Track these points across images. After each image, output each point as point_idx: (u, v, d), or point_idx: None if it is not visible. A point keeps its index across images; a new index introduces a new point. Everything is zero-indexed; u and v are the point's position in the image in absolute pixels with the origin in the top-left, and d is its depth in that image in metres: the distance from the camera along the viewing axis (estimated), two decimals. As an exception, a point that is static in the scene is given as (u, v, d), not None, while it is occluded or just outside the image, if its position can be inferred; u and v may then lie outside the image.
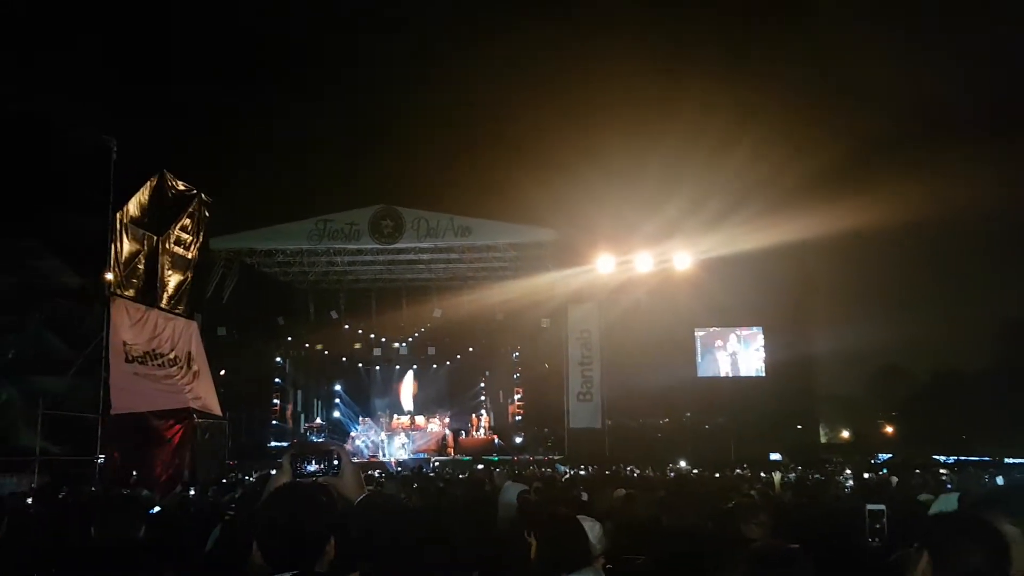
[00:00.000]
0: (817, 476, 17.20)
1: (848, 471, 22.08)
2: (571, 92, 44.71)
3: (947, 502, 8.49)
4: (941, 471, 18.77)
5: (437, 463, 25.01)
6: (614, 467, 19.95)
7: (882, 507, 4.73)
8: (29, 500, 10.16)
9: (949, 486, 12.15)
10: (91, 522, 5.25)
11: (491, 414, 32.76)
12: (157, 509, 7.58)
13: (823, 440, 37.40)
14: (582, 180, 29.10)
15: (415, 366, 33.52)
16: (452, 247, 27.10)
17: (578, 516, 4.73)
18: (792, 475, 16.71)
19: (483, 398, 33.88)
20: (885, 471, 21.73)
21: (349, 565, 2.86)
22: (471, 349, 31.98)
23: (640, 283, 25.74)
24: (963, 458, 29.51)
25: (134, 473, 15.14)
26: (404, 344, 32.17)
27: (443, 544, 4.29)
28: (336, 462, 2.94)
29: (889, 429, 43.86)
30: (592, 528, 4.49)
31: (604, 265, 24.88)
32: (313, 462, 2.92)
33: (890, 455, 32.66)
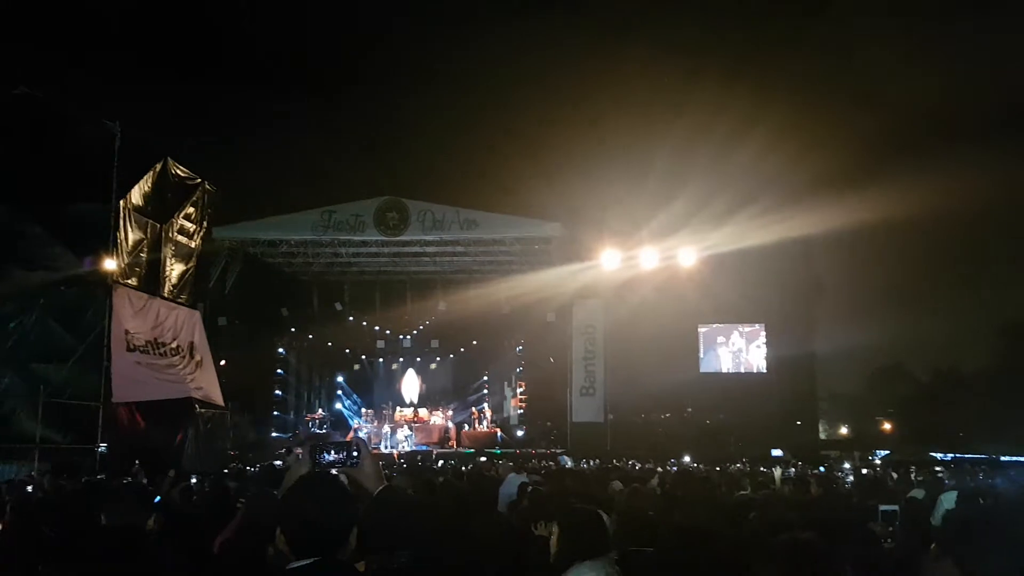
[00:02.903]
0: (817, 471, 17.23)
1: (847, 465, 22.15)
2: (579, 87, 44.63)
3: (948, 499, 8.54)
4: (937, 468, 18.83)
5: (438, 456, 25.01)
6: (618, 461, 19.97)
7: (895, 508, 4.74)
8: (29, 488, 10.15)
9: (947, 483, 12.18)
10: (97, 510, 5.24)
11: (494, 408, 32.81)
12: (158, 499, 7.57)
13: (823, 436, 37.40)
14: (589, 175, 29.07)
15: (419, 359, 33.54)
16: (458, 240, 27.02)
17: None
18: (792, 470, 16.74)
19: (486, 392, 33.92)
20: (878, 468, 21.82)
21: (361, 554, 2.87)
22: (475, 343, 31.99)
23: (645, 280, 25.70)
24: (960, 456, 29.58)
25: (136, 463, 15.11)
26: (408, 337, 32.18)
27: (456, 537, 4.28)
28: (356, 453, 2.94)
29: (887, 426, 43.88)
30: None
31: (609, 260, 24.84)
32: (332, 452, 2.92)
33: (888, 452, 32.69)
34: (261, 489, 5.32)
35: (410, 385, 33.58)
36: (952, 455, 30.05)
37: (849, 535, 5.02)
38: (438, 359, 33.47)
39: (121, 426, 18.56)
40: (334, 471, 2.89)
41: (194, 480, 11.72)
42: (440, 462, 20.36)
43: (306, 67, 47.82)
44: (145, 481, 11.37)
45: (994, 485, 11.27)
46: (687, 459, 22.96)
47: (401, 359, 33.88)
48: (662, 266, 25.14)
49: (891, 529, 4.78)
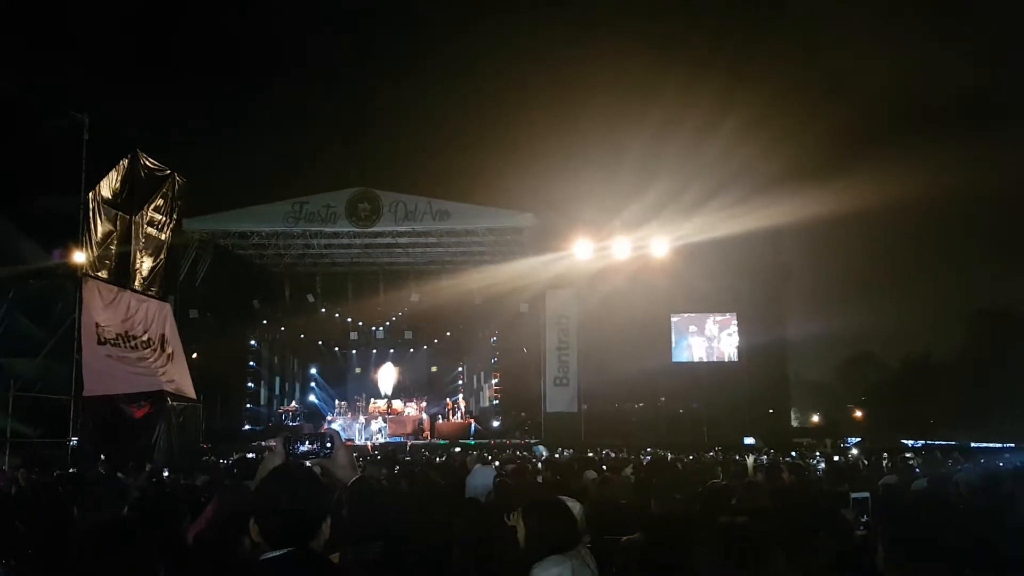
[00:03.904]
0: (789, 459, 17.45)
1: (818, 453, 22.47)
2: (551, 78, 44.70)
3: (919, 487, 8.69)
4: (907, 455, 19.11)
5: (412, 447, 25.02)
6: (592, 450, 20.09)
7: (866, 495, 4.77)
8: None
9: (917, 470, 12.39)
10: (70, 503, 5.24)
11: (469, 398, 32.84)
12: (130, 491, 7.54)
13: (795, 424, 37.86)
14: (562, 166, 29.17)
15: (392, 351, 33.48)
16: (430, 231, 26.94)
17: (559, 497, 4.79)
18: (764, 458, 16.94)
19: (461, 382, 33.93)
20: (854, 452, 22.16)
21: (334, 545, 2.91)
22: (448, 334, 31.98)
23: (618, 270, 25.85)
24: (930, 443, 30.04)
25: (102, 456, 15.02)
26: (381, 328, 32.10)
27: (429, 529, 4.33)
28: (329, 444, 2.98)
29: (858, 414, 44.55)
30: (573, 507, 4.54)
31: (582, 251, 24.96)
32: (306, 443, 2.96)
33: (859, 439, 33.17)
34: (235, 481, 5.34)
35: (386, 377, 33.50)
36: (922, 442, 30.51)
37: (821, 523, 5.11)
38: (412, 350, 33.43)
39: (92, 419, 18.42)
40: (308, 462, 2.93)
41: (167, 473, 11.70)
42: (408, 457, 20.33)
43: (277, 58, 47.44)
44: (119, 475, 11.30)
45: (953, 472, 11.47)
46: (660, 449, 23.15)
47: (374, 351, 33.80)
48: (634, 256, 25.30)
49: (864, 518, 4.82)
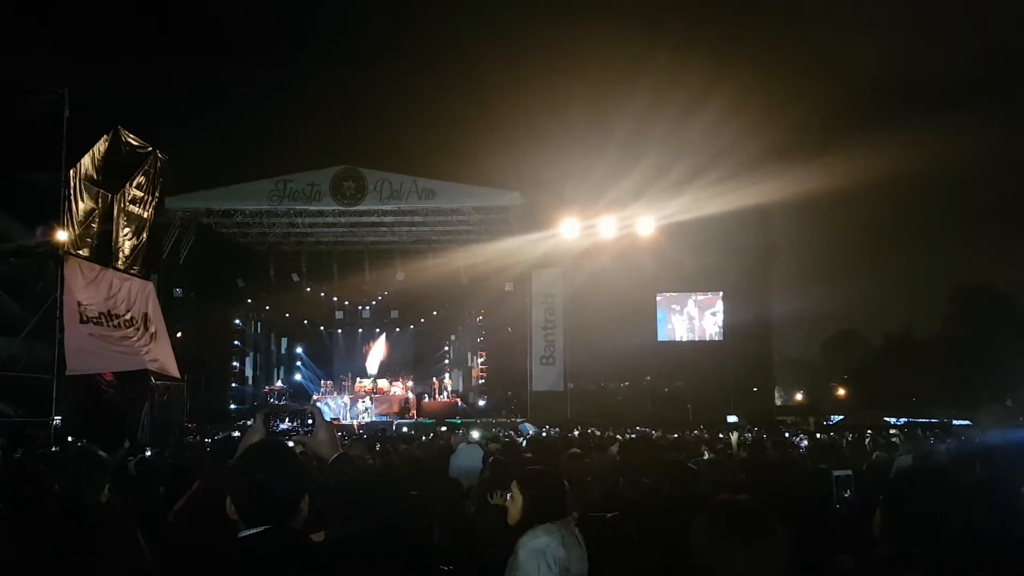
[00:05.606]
0: (776, 439, 17.54)
1: (802, 433, 22.65)
2: (538, 55, 44.43)
3: (903, 462, 8.75)
4: (891, 432, 19.27)
5: (399, 425, 25.06)
6: (581, 429, 20.13)
7: (849, 472, 4.80)
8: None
9: (900, 448, 12.50)
10: (51, 481, 5.18)
11: (455, 377, 32.89)
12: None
13: (779, 403, 38.09)
14: (548, 144, 29.03)
15: (377, 329, 33.45)
16: (415, 210, 26.80)
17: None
18: (748, 435, 17.03)
19: (447, 362, 33.97)
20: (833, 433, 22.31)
21: (317, 524, 2.87)
22: (435, 313, 31.96)
23: (604, 249, 25.83)
24: (912, 420, 30.30)
25: (69, 438, 14.97)
26: (367, 308, 32.03)
27: (413, 505, 4.32)
28: (310, 421, 2.94)
29: (842, 392, 44.91)
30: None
31: (568, 230, 24.92)
32: (287, 419, 2.92)
33: (842, 417, 33.44)
34: (217, 458, 5.31)
35: (376, 352, 33.49)
36: (905, 419, 30.76)
37: (803, 500, 5.14)
38: (398, 330, 33.40)
39: (75, 399, 18.33)
40: (290, 442, 2.89)
41: (149, 452, 11.64)
42: (396, 435, 20.37)
43: (262, 35, 46.95)
44: (101, 454, 11.22)
45: (936, 449, 11.60)
46: (646, 427, 23.26)
47: (360, 330, 33.75)
48: (621, 235, 25.28)
49: (846, 494, 4.85)
